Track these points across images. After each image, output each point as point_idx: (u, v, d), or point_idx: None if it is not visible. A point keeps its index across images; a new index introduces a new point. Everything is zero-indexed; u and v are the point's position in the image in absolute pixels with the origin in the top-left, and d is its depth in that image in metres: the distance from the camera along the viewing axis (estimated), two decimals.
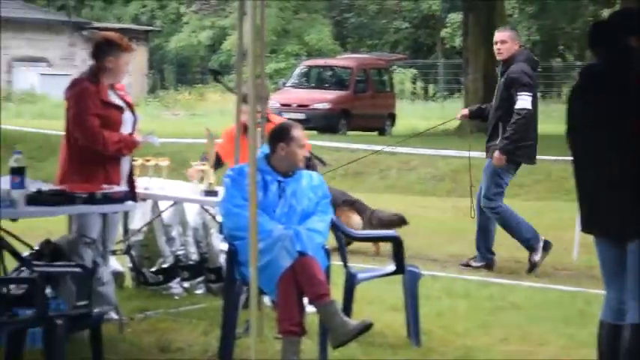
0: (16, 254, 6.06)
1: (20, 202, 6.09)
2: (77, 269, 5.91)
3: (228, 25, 38.15)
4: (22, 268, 6.09)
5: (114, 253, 7.62)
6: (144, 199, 7.70)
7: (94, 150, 6.67)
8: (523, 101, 9.03)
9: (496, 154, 9.11)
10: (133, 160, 7.26)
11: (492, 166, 9.21)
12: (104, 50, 6.79)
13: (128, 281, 8.15)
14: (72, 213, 6.60)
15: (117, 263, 8.02)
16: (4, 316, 5.33)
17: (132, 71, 34.36)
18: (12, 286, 5.64)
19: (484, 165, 9.39)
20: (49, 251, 6.33)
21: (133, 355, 6.18)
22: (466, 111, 9.81)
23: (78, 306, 5.60)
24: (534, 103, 9.15)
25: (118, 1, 41.78)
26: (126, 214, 7.92)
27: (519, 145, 9.14)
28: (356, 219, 10.26)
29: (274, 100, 24.02)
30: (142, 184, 7.40)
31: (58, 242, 6.46)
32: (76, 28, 32.33)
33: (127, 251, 8.06)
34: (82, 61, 31.58)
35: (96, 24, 34.16)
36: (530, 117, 9.08)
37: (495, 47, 9.23)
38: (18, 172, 6.12)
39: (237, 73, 6.71)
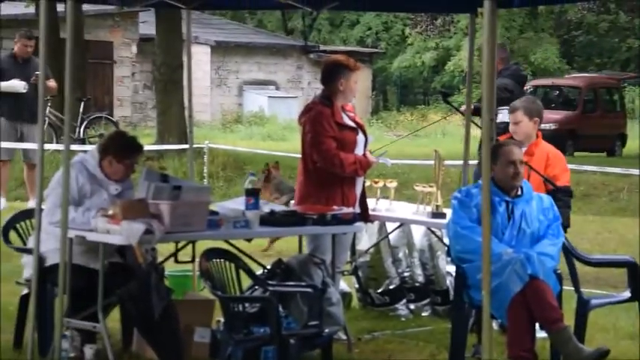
0: (251, 273, 6.24)
1: (254, 222, 6.28)
2: (308, 289, 6.02)
3: (452, 45, 38.06)
4: (255, 287, 6.27)
5: (341, 273, 7.71)
6: (371, 221, 7.76)
7: (331, 172, 6.78)
8: (502, 115, 8.95)
9: None
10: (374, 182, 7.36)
11: None
12: (334, 73, 6.91)
13: (355, 302, 8.22)
14: (303, 234, 6.74)
15: (344, 284, 8.11)
16: (240, 334, 5.50)
17: (356, 93, 34.85)
18: (247, 305, 5.80)
19: None
20: (281, 271, 6.47)
21: None
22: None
23: (309, 325, 5.70)
24: None
25: (344, 25, 42.50)
26: (354, 235, 8.00)
27: None
28: None
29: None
30: (369, 205, 7.45)
31: (289, 262, 6.59)
32: (303, 52, 33.10)
33: (354, 272, 8.13)
34: (308, 83, 32.29)
35: (322, 47, 34.87)
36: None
37: None
38: (252, 193, 6.32)
39: (467, 94, 6.68)
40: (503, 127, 8.80)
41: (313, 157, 6.83)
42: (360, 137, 6.96)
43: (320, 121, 6.79)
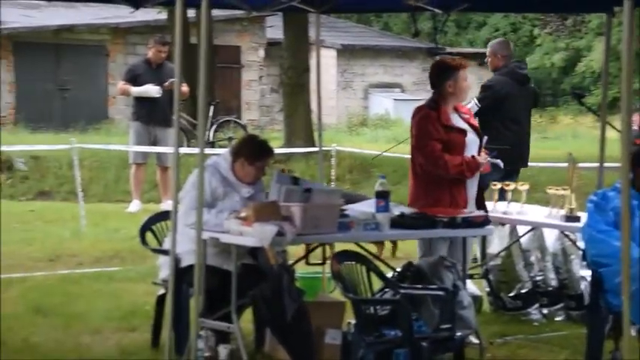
0: (382, 275, 6.23)
1: (385, 224, 6.28)
2: (440, 292, 5.98)
3: (583, 46, 37.34)
4: (386, 290, 6.26)
5: (471, 277, 7.65)
6: (502, 224, 7.67)
7: (437, 174, 6.74)
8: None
9: None
10: (493, 185, 7.26)
11: None
12: (441, 75, 6.88)
13: (486, 305, 8.13)
14: (433, 236, 6.70)
15: (475, 287, 8.03)
16: (371, 336, 5.50)
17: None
18: (378, 307, 5.80)
19: None
20: (411, 273, 6.44)
21: None
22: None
23: (441, 329, 5.66)
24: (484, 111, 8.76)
25: (471, 26, 42.13)
26: (484, 239, 7.93)
27: None
28: None
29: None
30: (500, 208, 7.37)
31: (420, 265, 6.56)
32: (429, 54, 32.94)
33: (485, 275, 8.05)
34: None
35: (449, 49, 34.68)
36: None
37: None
38: (383, 195, 6.32)
39: (602, 96, 6.54)
40: None
41: (418, 159, 6.82)
42: (472, 138, 6.89)
43: (425, 124, 6.78)
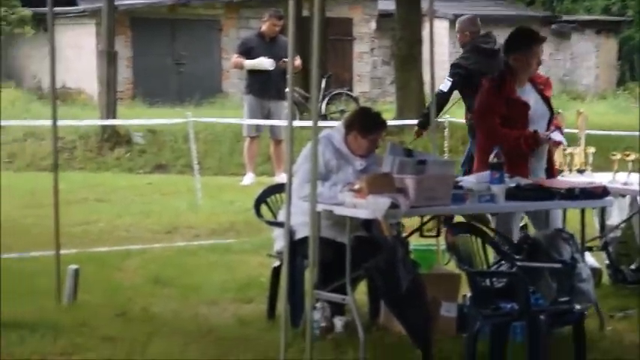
0: (498, 248, 6.16)
1: (500, 196, 6.19)
2: (557, 265, 5.88)
3: None
4: (502, 262, 6.18)
5: (590, 249, 7.50)
6: (622, 195, 7.51)
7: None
8: (443, 85, 9.43)
9: None
10: (612, 155, 7.11)
11: None
12: (510, 48, 6.77)
13: (605, 278, 7.97)
14: (549, 208, 6.59)
15: (593, 260, 7.88)
16: (488, 309, 5.44)
17: (600, 63, 33.78)
18: (494, 279, 5.74)
19: None
20: (528, 246, 6.34)
21: (614, 354, 6.04)
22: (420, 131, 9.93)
23: (559, 302, 5.57)
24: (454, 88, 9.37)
25: None
26: (602, 210, 7.76)
27: None
28: None
29: None
30: (620, 179, 7.21)
31: (536, 237, 6.45)
32: (544, 23, 32.34)
33: (604, 248, 7.89)
34: (549, 54, 31.51)
35: (565, 17, 33.99)
36: (442, 99, 9.50)
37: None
38: (497, 167, 6.23)
39: None
40: (437, 94, 9.22)
41: (477, 132, 6.80)
42: (542, 111, 6.75)
43: (485, 97, 6.73)
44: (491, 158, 6.22)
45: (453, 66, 9.51)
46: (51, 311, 6.61)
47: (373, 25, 28.93)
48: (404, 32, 18.31)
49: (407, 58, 18.30)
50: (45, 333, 6.06)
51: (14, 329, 6.13)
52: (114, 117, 18.27)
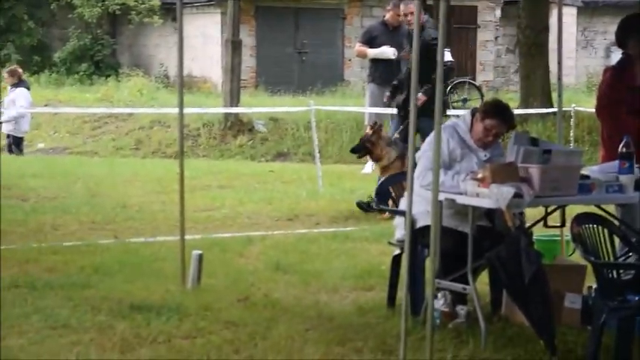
0: (625, 239, 6.02)
1: (629, 187, 6.05)
2: None
3: None
4: (630, 254, 6.04)
5: None
6: None
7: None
8: (448, 56, 10.10)
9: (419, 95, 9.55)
10: None
11: None
12: (626, 33, 6.56)
13: None
14: None
15: None
16: (615, 301, 5.32)
17: None
18: (621, 271, 5.61)
19: None
20: None
21: None
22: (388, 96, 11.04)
23: None
24: None
25: None
26: None
27: None
28: None
29: None
30: None
31: None
32: None
33: None
34: None
35: None
36: (453, 69, 10.49)
37: (406, 19, 10.80)
38: (627, 156, 6.08)
39: None
40: (450, 64, 10.14)
41: (600, 120, 6.66)
42: None
43: (606, 86, 6.58)
44: (621, 148, 6.08)
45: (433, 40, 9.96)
46: (176, 295, 6.73)
47: (498, 12, 28.55)
48: (530, 20, 18.05)
49: (532, 46, 18.04)
50: (170, 316, 6.18)
51: (141, 311, 6.26)
52: (237, 105, 18.51)
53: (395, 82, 11.14)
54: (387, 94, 11.31)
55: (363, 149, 10.54)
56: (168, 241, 8.51)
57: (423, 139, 9.94)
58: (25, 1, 27.31)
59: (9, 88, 17.28)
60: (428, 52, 9.58)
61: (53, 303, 6.44)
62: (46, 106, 20.83)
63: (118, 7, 26.46)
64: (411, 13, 10.49)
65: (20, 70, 17.85)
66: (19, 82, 17.31)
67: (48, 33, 28.15)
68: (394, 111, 13.04)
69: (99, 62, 27.05)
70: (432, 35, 10.09)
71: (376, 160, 10.54)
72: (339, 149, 16.74)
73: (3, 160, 15.91)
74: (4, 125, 15.36)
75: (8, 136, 17.53)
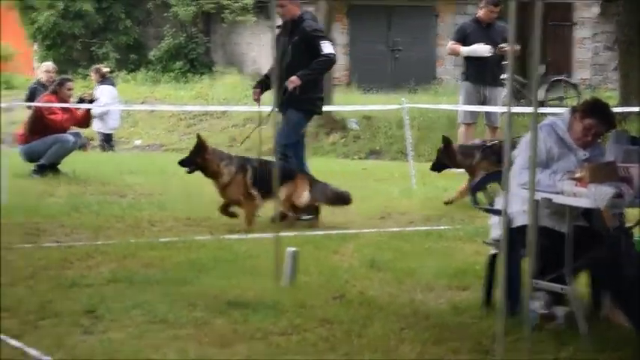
0: None
1: None
2: None
3: None
4: None
5: None
6: None
7: None
8: (328, 48, 9.91)
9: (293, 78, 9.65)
10: None
11: None
12: None
13: None
14: None
15: None
16: None
17: None
18: None
19: None
20: None
21: None
22: (257, 91, 10.10)
23: None
24: None
25: None
26: None
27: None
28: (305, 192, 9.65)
29: None
30: None
31: None
32: None
33: None
34: None
35: None
36: (333, 61, 10.03)
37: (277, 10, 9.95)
38: None
39: None
40: (332, 57, 9.90)
41: None
42: None
43: None
44: None
45: (322, 31, 10.08)
46: (271, 292, 6.78)
47: (596, 9, 28.11)
48: (630, 17, 17.74)
49: (633, 44, 17.72)
50: (266, 313, 6.23)
51: (237, 308, 6.33)
52: (330, 103, 18.57)
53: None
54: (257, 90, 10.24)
55: (192, 164, 9.53)
56: (262, 237, 8.58)
57: (289, 131, 9.99)
58: (123, 0, 27.81)
59: (95, 85, 17.68)
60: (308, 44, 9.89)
61: (152, 298, 6.55)
62: (142, 103, 21.19)
63: (212, 5, 26.76)
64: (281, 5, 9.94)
65: (106, 69, 18.27)
66: (103, 80, 17.71)
67: (144, 32, 28.62)
68: (489, 109, 12.97)
69: (193, 60, 27.41)
70: (313, 27, 10.00)
71: (212, 176, 9.55)
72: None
73: (101, 157, 16.26)
74: (94, 123, 15.72)
75: (99, 133, 17.94)
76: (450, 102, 16.97)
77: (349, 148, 18.08)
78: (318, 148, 18.12)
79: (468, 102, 13.15)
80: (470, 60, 13.09)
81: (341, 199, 9.84)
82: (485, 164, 10.35)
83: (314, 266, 7.59)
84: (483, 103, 13.06)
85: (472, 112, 13.17)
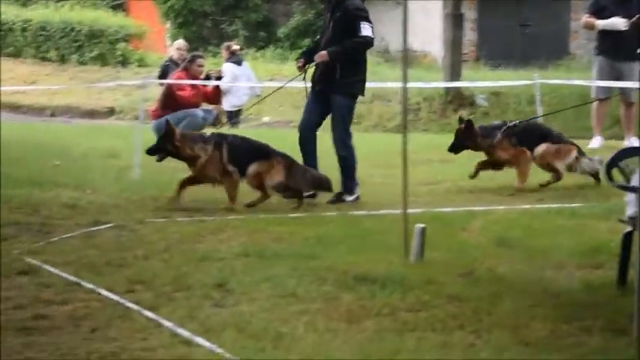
0: None
1: None
2: None
3: None
4: None
5: None
6: None
7: None
8: (367, 30, 9.54)
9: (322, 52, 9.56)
10: None
11: None
12: None
13: None
14: None
15: None
16: None
17: None
18: None
19: None
20: None
21: None
22: (302, 61, 9.92)
23: None
24: None
25: None
26: None
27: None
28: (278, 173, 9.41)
29: None
30: None
31: None
32: None
33: None
34: None
35: None
36: (369, 44, 9.66)
37: None
38: None
39: None
40: (369, 40, 9.58)
41: None
42: None
43: None
44: None
45: (364, 11, 9.55)
46: (399, 268, 6.76)
47: None
48: None
49: None
50: (394, 289, 6.21)
51: (365, 283, 6.33)
52: (458, 79, 18.40)
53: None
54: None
55: (161, 151, 9.50)
56: (391, 214, 8.55)
57: (342, 121, 9.84)
58: None
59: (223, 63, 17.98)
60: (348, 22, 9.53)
61: (281, 272, 6.60)
62: (271, 80, 21.36)
63: None
64: None
65: (236, 47, 18.49)
66: (230, 57, 17.95)
67: (273, 9, 28.82)
68: (625, 84, 12.63)
69: None
70: (356, 5, 9.62)
71: (189, 161, 9.45)
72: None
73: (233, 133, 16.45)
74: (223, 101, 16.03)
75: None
76: (582, 77, 16.59)
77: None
78: (446, 125, 17.99)
79: (602, 77, 12.84)
80: (604, 34, 12.77)
81: (321, 184, 9.60)
82: (505, 144, 10.27)
83: (442, 243, 7.54)
84: (619, 78, 12.72)
85: (606, 87, 12.86)
